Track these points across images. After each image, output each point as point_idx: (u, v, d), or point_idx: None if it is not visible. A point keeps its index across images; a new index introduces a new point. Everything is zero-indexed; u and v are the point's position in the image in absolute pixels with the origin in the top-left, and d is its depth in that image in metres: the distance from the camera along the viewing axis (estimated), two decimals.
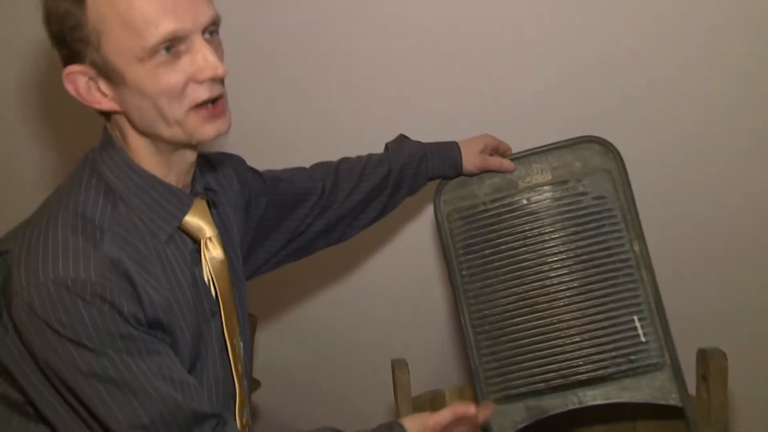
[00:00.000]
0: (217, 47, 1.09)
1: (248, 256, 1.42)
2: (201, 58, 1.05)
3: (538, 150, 1.59)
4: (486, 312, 1.54)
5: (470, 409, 1.25)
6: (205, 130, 1.09)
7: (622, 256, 1.51)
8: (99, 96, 1.08)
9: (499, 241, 1.56)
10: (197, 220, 1.17)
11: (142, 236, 1.10)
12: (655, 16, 1.64)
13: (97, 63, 1.05)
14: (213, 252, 1.18)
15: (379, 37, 1.71)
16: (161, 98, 1.06)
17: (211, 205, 1.23)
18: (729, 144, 1.70)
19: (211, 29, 1.08)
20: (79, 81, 1.07)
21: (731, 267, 1.78)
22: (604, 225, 1.53)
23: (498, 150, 1.61)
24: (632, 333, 1.49)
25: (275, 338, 1.99)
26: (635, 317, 1.50)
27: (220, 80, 1.08)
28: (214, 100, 1.09)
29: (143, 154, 1.12)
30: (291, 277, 1.83)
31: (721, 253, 1.78)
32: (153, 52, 1.03)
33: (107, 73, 1.06)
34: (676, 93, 1.69)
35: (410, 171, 1.54)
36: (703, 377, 1.52)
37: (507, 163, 1.58)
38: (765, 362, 1.82)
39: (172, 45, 1.04)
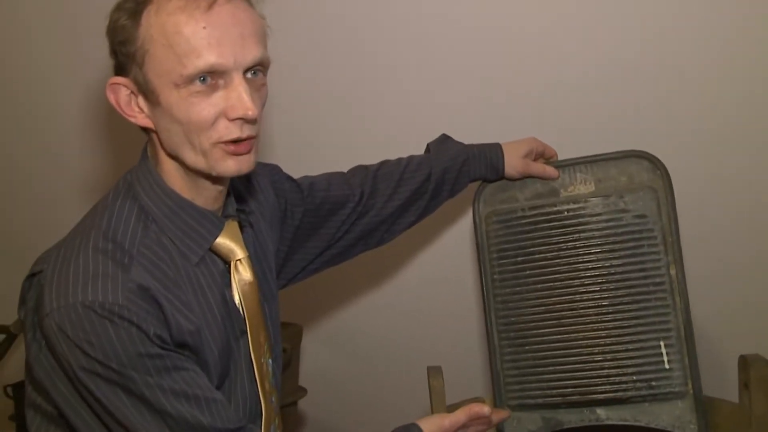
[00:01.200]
0: (259, 88, 1.10)
1: (284, 264, 1.43)
2: (235, 96, 1.06)
3: (583, 160, 1.55)
4: (513, 319, 1.54)
5: (484, 409, 1.27)
6: (227, 165, 1.10)
7: (657, 280, 1.48)
8: (136, 110, 1.10)
9: (533, 249, 1.54)
10: (228, 242, 1.18)
11: (173, 259, 1.12)
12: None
13: (138, 79, 1.08)
14: (243, 274, 1.19)
15: (416, 38, 1.69)
16: (190, 126, 1.07)
17: (243, 225, 1.24)
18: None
19: (256, 69, 1.09)
20: (120, 92, 1.10)
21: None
22: (642, 245, 1.49)
23: (544, 155, 1.58)
24: (657, 359, 1.47)
25: (319, 346, 2.02)
26: (662, 342, 1.47)
27: (252, 121, 1.08)
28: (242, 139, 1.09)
29: (174, 175, 1.14)
30: (331, 284, 1.85)
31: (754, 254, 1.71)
32: (189, 80, 1.05)
33: (145, 91, 1.08)
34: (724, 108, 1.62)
35: (451, 175, 1.52)
36: (745, 385, 1.47)
37: (550, 170, 1.55)
38: None
39: (210, 77, 1.05)
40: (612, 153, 1.54)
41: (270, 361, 1.25)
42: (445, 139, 1.56)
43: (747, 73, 1.59)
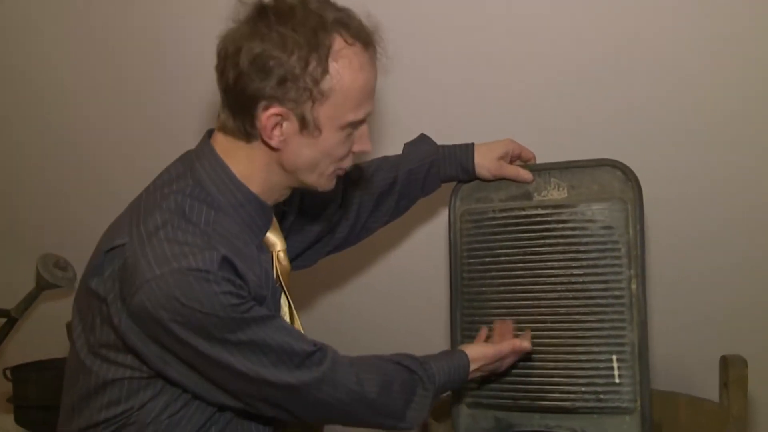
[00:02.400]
0: None
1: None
2: (366, 139, 1.25)
3: (558, 165, 1.54)
4: (476, 318, 1.56)
5: (525, 345, 1.43)
6: (330, 184, 1.28)
7: (617, 293, 1.46)
8: (276, 134, 1.19)
9: (500, 251, 1.54)
10: (272, 235, 1.32)
11: (241, 239, 1.23)
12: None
13: (302, 113, 1.17)
14: (283, 262, 1.34)
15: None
16: (327, 158, 1.23)
17: (282, 218, 1.38)
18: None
19: None
20: (273, 119, 1.18)
21: (751, 272, 1.69)
22: (606, 257, 1.47)
23: (521, 157, 1.57)
24: (608, 372, 1.45)
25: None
26: (614, 357, 1.45)
27: None
28: None
29: (254, 177, 1.24)
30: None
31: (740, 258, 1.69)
32: (353, 125, 1.21)
33: (306, 125, 1.18)
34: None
35: (418, 176, 1.55)
36: (724, 384, 1.48)
37: (524, 173, 1.54)
38: None
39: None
40: (587, 160, 1.52)
41: None
42: (420, 139, 1.59)
43: (724, 84, 1.55)
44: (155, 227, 1.16)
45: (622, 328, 1.45)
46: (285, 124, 1.18)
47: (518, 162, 1.57)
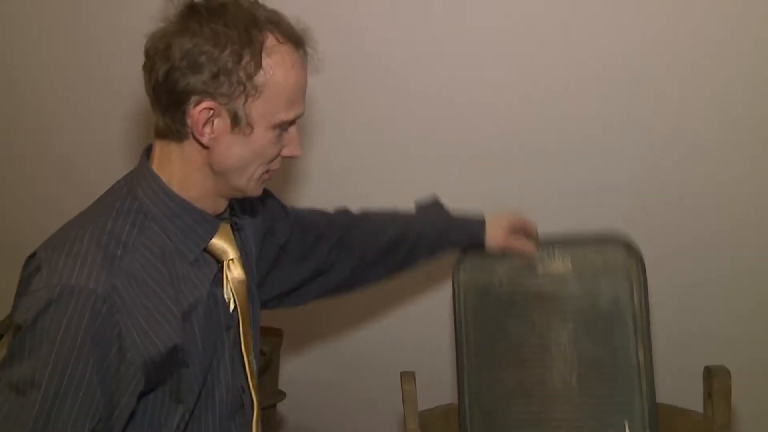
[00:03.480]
0: None
1: (262, 284, 1.47)
2: (296, 143, 1.24)
3: (562, 239, 1.60)
4: (484, 387, 1.59)
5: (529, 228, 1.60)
6: (259, 189, 1.26)
7: (625, 361, 1.54)
8: (207, 131, 1.16)
9: (508, 322, 1.59)
10: (222, 243, 1.26)
11: (171, 257, 1.19)
12: None
13: (234, 110, 1.15)
14: (234, 272, 1.28)
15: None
16: (258, 159, 1.20)
17: (234, 229, 1.32)
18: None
19: None
20: (205, 113, 1.15)
21: (735, 283, 1.79)
22: (614, 327, 1.55)
23: (524, 229, 1.62)
24: None
25: (298, 352, 2.07)
26: (626, 422, 1.53)
27: None
28: None
29: (189, 182, 1.21)
30: None
31: (726, 269, 1.79)
32: (284, 125, 1.20)
33: (238, 122, 1.16)
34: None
35: (427, 241, 1.57)
36: (708, 395, 1.53)
37: (530, 249, 1.60)
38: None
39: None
40: (590, 234, 1.59)
41: (254, 360, 1.33)
42: (433, 203, 1.62)
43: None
44: (71, 238, 1.14)
45: (632, 395, 1.53)
46: (216, 121, 1.16)
47: (522, 234, 1.62)
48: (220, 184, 1.22)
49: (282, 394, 2.02)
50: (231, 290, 1.27)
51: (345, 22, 1.75)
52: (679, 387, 1.65)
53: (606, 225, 1.64)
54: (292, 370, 2.08)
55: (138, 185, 1.21)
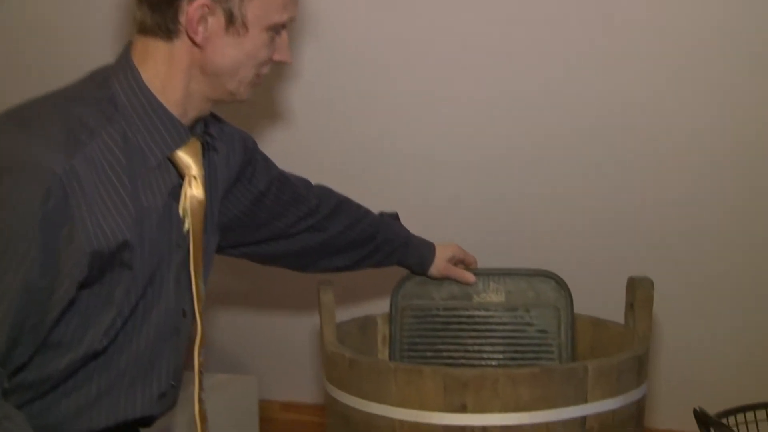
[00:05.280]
0: None
1: (225, 228, 1.46)
2: (287, 48, 1.26)
3: (498, 271, 1.70)
4: None
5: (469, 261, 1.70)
6: (248, 93, 1.26)
7: None
8: (200, 29, 1.16)
9: (442, 347, 1.66)
10: (188, 157, 1.23)
11: (132, 153, 1.16)
12: None
13: (230, 8, 1.16)
14: (194, 190, 1.24)
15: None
16: (250, 61, 1.21)
17: (206, 149, 1.30)
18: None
19: None
20: (200, 11, 1.15)
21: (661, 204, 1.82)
22: (541, 358, 1.64)
23: (464, 261, 1.72)
24: None
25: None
26: None
27: None
28: None
29: (172, 83, 1.19)
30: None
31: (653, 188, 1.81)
32: (278, 27, 1.21)
33: (233, 21, 1.17)
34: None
35: (389, 247, 1.64)
36: (630, 305, 1.56)
37: (468, 275, 1.69)
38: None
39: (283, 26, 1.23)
40: (524, 269, 1.69)
41: (203, 286, 1.30)
42: (395, 217, 1.69)
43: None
44: (37, 108, 1.15)
45: None
46: (210, 20, 1.16)
47: (461, 266, 1.71)
48: (208, 88, 1.21)
49: None
50: (187, 207, 1.24)
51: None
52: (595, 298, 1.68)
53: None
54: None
55: (115, 76, 1.19)
